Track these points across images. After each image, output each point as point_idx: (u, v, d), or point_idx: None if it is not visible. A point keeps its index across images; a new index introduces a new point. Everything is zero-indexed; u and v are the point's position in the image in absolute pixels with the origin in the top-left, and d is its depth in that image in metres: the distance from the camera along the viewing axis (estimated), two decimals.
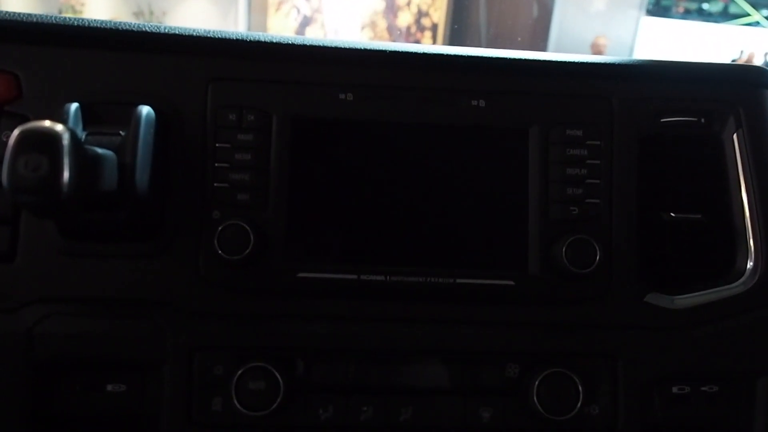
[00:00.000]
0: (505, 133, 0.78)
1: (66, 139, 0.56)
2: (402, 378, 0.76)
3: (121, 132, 0.69)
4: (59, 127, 0.56)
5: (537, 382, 0.74)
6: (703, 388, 0.80)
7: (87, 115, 0.70)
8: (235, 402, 0.72)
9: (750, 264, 0.80)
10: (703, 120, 0.82)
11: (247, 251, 0.71)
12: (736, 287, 0.79)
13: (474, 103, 0.78)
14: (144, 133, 0.69)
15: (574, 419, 0.74)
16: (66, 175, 0.56)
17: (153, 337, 0.73)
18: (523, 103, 0.79)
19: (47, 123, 0.57)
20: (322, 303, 0.76)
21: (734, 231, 0.81)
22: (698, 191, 0.82)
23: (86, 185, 0.60)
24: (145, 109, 0.70)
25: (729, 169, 0.82)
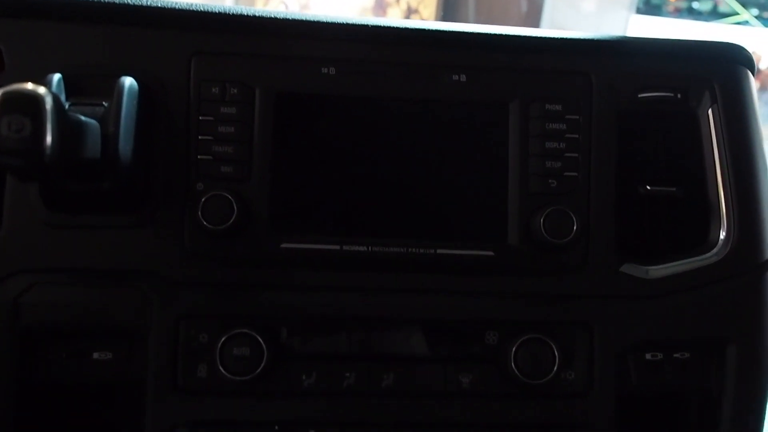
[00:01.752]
0: (485, 108, 0.80)
1: (49, 102, 0.57)
2: (384, 346, 0.78)
3: (104, 103, 0.70)
4: (42, 90, 0.57)
5: (515, 348, 0.76)
6: (676, 355, 0.82)
7: (70, 87, 0.71)
8: (220, 368, 0.73)
9: (723, 235, 0.82)
10: (679, 96, 0.84)
11: (231, 221, 0.72)
12: (708, 258, 0.81)
13: (455, 77, 0.80)
14: (127, 104, 0.70)
15: (550, 384, 0.76)
16: (49, 137, 0.56)
17: (138, 306, 0.74)
18: (504, 78, 0.80)
19: (30, 85, 0.58)
20: (306, 273, 0.77)
21: (708, 204, 0.83)
22: (674, 165, 0.84)
23: (70, 150, 0.61)
24: (128, 80, 0.71)
25: (704, 143, 0.84)
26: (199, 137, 0.76)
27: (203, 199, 0.73)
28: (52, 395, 0.78)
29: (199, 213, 0.72)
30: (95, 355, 0.76)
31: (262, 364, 0.73)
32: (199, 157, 0.76)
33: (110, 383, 0.76)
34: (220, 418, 0.75)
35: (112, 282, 0.75)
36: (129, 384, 0.75)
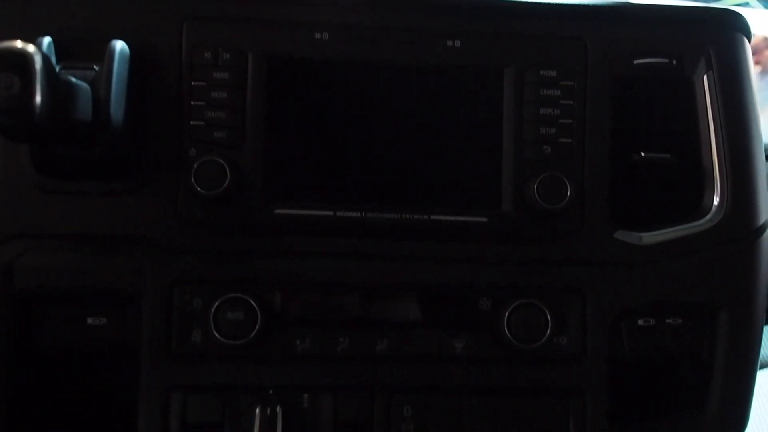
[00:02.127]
0: (480, 74, 0.79)
1: (38, 61, 0.57)
2: (377, 311, 0.78)
3: (95, 67, 0.69)
4: (31, 48, 0.57)
5: (507, 313, 0.76)
6: (668, 321, 0.83)
7: (60, 51, 0.70)
8: (214, 332, 0.73)
9: (716, 201, 0.82)
10: (674, 62, 0.84)
11: (224, 187, 0.72)
12: (702, 224, 0.82)
13: (449, 43, 0.79)
14: (118, 68, 0.69)
15: (542, 348, 0.77)
16: (38, 96, 0.56)
17: (132, 272, 0.75)
18: (499, 44, 0.79)
19: (19, 43, 0.57)
20: (299, 239, 0.77)
21: (702, 170, 0.83)
22: (668, 132, 0.84)
23: (60, 111, 0.61)
24: (119, 44, 0.70)
25: (698, 110, 0.84)
26: (192, 103, 0.76)
27: (196, 165, 0.72)
28: (47, 360, 0.78)
29: (192, 179, 0.72)
30: (90, 321, 0.76)
31: (256, 329, 0.73)
32: (191, 122, 0.75)
33: (105, 348, 0.76)
34: (215, 382, 0.75)
35: (105, 248, 0.75)
36: (124, 349, 0.76)
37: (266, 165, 0.76)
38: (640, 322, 0.82)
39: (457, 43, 0.79)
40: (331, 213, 0.76)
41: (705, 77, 0.83)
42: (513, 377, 0.79)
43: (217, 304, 0.74)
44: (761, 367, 0.95)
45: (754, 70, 0.87)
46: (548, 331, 0.77)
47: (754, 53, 0.87)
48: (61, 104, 0.61)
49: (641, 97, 0.84)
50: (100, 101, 0.67)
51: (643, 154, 0.83)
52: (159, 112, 0.76)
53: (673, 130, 0.84)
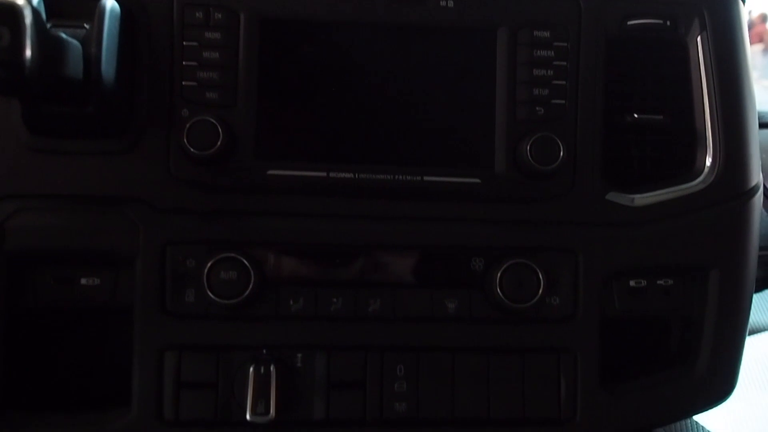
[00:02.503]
0: (473, 34, 0.79)
1: (28, 14, 0.56)
2: (370, 272, 0.78)
3: (85, 25, 0.69)
4: (21, 1, 0.56)
5: (500, 273, 0.77)
6: (659, 282, 0.83)
7: (50, 10, 0.69)
8: (208, 292, 0.73)
9: (708, 162, 0.82)
10: (668, 23, 0.83)
11: (216, 147, 0.72)
12: (694, 185, 0.82)
13: (442, 3, 0.78)
14: (109, 26, 0.68)
15: (534, 308, 0.77)
16: (29, 50, 0.56)
17: (125, 232, 0.75)
18: (492, 4, 0.79)
19: None
20: (292, 200, 0.77)
21: (694, 131, 0.83)
22: (661, 93, 0.84)
23: (50, 66, 0.60)
24: (110, 2, 0.70)
25: (692, 71, 0.83)
26: (183, 63, 0.75)
27: (188, 125, 0.72)
28: (41, 321, 0.79)
29: (185, 138, 0.72)
30: (83, 281, 0.76)
31: (249, 288, 0.73)
32: (183, 83, 0.75)
33: (99, 309, 0.77)
34: (209, 341, 0.76)
35: (97, 208, 0.75)
36: (118, 309, 0.76)
37: (258, 125, 0.76)
38: (632, 283, 0.83)
39: (450, 3, 0.78)
40: (324, 174, 0.76)
41: (699, 38, 0.83)
42: (505, 337, 0.79)
43: (210, 263, 0.74)
44: (749, 333, 0.96)
45: (748, 34, 0.87)
46: (540, 291, 0.77)
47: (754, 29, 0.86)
48: (52, 59, 0.61)
49: (635, 58, 0.84)
50: (91, 59, 0.67)
51: (636, 115, 0.83)
52: (150, 71, 0.75)
53: (666, 91, 0.84)
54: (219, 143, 0.72)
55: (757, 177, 0.84)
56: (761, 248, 0.92)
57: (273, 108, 0.76)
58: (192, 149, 0.72)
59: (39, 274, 0.76)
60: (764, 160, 0.93)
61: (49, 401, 0.78)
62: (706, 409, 0.85)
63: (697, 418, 1.05)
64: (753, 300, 0.87)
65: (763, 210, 0.91)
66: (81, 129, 0.73)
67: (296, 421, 0.76)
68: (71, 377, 0.81)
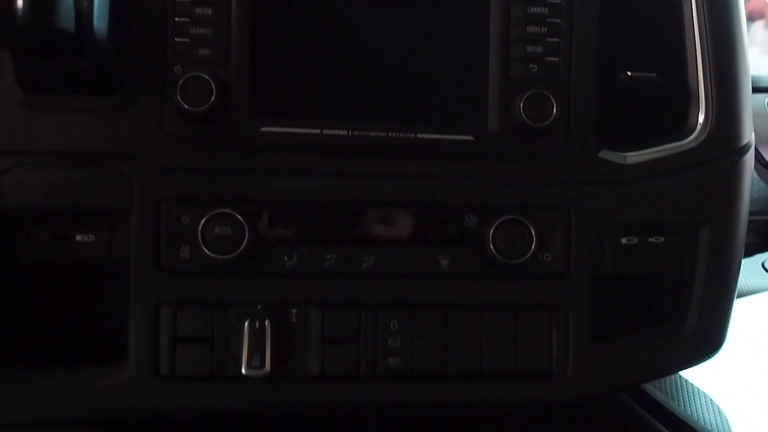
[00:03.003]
0: None
1: None
2: (364, 229, 0.79)
3: None
4: None
5: (493, 229, 0.77)
6: (651, 240, 0.84)
7: None
8: (203, 247, 0.74)
9: (701, 119, 0.82)
10: None
11: (210, 103, 0.72)
12: (687, 143, 0.82)
13: None
14: None
15: (527, 264, 0.78)
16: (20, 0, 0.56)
17: (119, 188, 0.75)
18: None
19: None
20: (286, 157, 0.78)
21: (687, 89, 0.83)
22: (655, 51, 0.84)
23: (42, 18, 0.60)
24: None
25: (685, 28, 0.83)
26: (176, 19, 0.75)
27: (181, 81, 0.72)
28: (37, 278, 0.79)
29: (178, 95, 0.72)
30: (78, 238, 0.76)
31: (244, 244, 0.74)
32: (176, 39, 0.75)
33: (94, 265, 0.77)
34: (204, 297, 0.76)
35: (91, 164, 0.75)
36: (113, 266, 0.76)
37: (252, 82, 0.75)
38: (623, 240, 0.84)
39: None
40: (317, 131, 0.76)
41: None
42: (498, 293, 0.80)
43: (204, 219, 0.74)
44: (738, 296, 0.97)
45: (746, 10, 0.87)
46: (533, 247, 0.78)
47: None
48: (43, 10, 0.60)
49: (628, 16, 0.84)
50: (83, 12, 0.66)
51: (629, 73, 0.83)
52: (143, 28, 0.75)
53: (659, 49, 0.84)
54: (212, 100, 0.72)
55: (748, 136, 0.85)
56: (752, 213, 0.93)
57: (266, 65, 0.76)
58: (185, 105, 0.72)
59: (34, 231, 0.76)
60: (757, 125, 0.93)
61: (47, 358, 0.79)
62: (695, 365, 0.86)
63: (683, 373, 1.07)
64: (742, 265, 0.88)
65: (755, 173, 0.92)
66: (74, 85, 0.73)
67: (291, 376, 0.77)
68: (68, 335, 0.82)
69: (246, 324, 0.75)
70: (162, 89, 0.75)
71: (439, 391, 0.80)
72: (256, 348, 0.75)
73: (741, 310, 1.08)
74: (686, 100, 0.84)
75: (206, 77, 0.72)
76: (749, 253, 1.48)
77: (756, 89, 1.13)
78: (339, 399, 0.79)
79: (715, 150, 0.82)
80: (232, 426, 0.87)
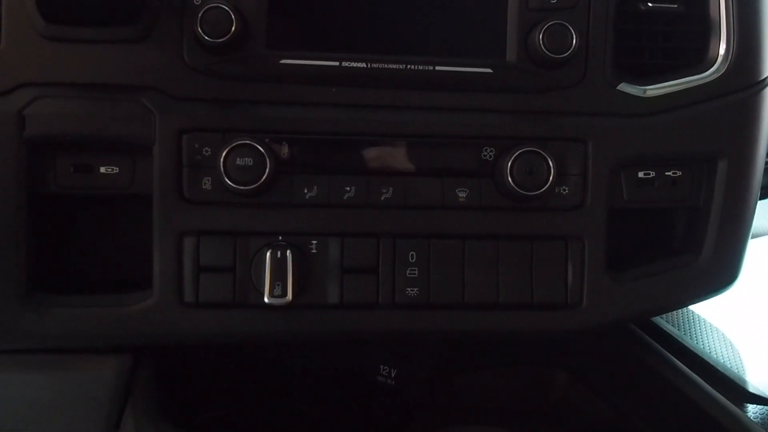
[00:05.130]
0: None
1: None
2: (383, 161, 0.80)
3: None
4: None
5: (511, 161, 0.78)
6: (667, 173, 0.84)
7: None
8: (225, 178, 0.74)
9: (722, 51, 0.82)
10: None
11: (230, 35, 0.72)
12: (707, 76, 0.82)
13: None
14: None
15: (544, 196, 0.78)
16: None
17: (141, 119, 0.75)
18: None
19: None
20: (305, 89, 0.78)
21: (708, 21, 0.83)
22: None
23: None
24: None
25: None
26: None
27: (201, 12, 0.72)
28: (62, 209, 0.81)
29: (198, 26, 0.72)
30: (102, 170, 0.77)
31: (266, 173, 0.74)
32: None
33: (118, 196, 0.78)
34: (226, 227, 0.78)
35: (113, 96, 0.76)
36: (136, 197, 0.78)
37: (271, 14, 0.76)
38: (640, 174, 0.84)
39: None
40: (336, 63, 0.77)
41: None
42: (514, 224, 0.81)
43: (226, 150, 0.75)
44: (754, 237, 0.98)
45: None
46: (550, 179, 0.78)
47: None
48: None
49: None
50: None
51: (650, 3, 0.82)
52: None
53: None
54: (232, 30, 0.72)
55: None
56: None
57: None
58: (206, 37, 0.72)
59: (59, 162, 0.77)
60: None
61: (73, 287, 0.81)
62: (710, 297, 0.88)
63: (697, 309, 1.09)
64: (758, 204, 0.88)
65: None
66: (95, 16, 0.73)
67: (312, 305, 0.79)
68: (94, 264, 0.84)
69: (268, 254, 0.76)
70: (182, 20, 0.75)
71: (455, 320, 0.81)
72: (278, 277, 0.76)
73: (756, 250, 1.08)
74: (707, 31, 0.83)
75: (226, 8, 0.72)
76: (765, 194, 1.48)
77: None
78: (358, 327, 0.80)
79: (736, 83, 0.82)
80: (254, 354, 0.89)
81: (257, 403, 1.11)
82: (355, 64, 0.77)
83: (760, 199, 0.90)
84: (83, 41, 0.74)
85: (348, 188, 0.79)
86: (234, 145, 0.75)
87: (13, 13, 0.74)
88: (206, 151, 0.76)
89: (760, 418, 0.88)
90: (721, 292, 0.87)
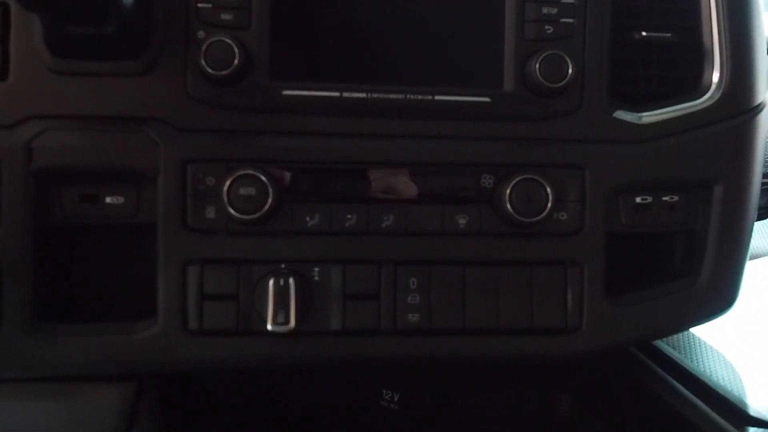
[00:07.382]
0: None
1: None
2: (383, 189, 0.81)
3: None
4: None
5: (509, 188, 0.79)
6: (664, 198, 0.86)
7: None
8: (228, 207, 0.76)
9: (716, 78, 0.83)
10: None
11: (233, 67, 0.74)
12: (701, 102, 0.84)
13: None
14: None
15: (543, 222, 0.80)
16: None
17: (146, 150, 0.77)
18: None
19: None
20: (306, 119, 0.80)
21: (702, 49, 0.84)
22: (669, 11, 0.85)
23: None
24: None
25: None
26: None
27: (205, 46, 0.74)
28: (69, 238, 0.82)
29: (202, 59, 0.74)
30: (108, 200, 0.79)
31: (268, 203, 0.76)
32: (198, 5, 0.77)
33: (123, 226, 0.80)
34: (230, 256, 0.79)
35: (119, 128, 0.77)
36: (141, 227, 0.79)
37: (273, 46, 0.77)
38: (638, 199, 0.85)
39: None
40: (337, 94, 0.78)
41: None
42: (514, 250, 0.82)
43: (230, 180, 0.76)
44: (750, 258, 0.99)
45: None
46: (549, 205, 0.79)
47: None
48: None
49: None
50: None
51: (644, 33, 0.84)
52: None
53: (674, 8, 0.85)
54: (235, 63, 0.74)
55: (763, 95, 0.86)
56: (765, 176, 0.94)
57: (286, 29, 0.78)
58: (209, 69, 0.74)
59: (65, 193, 0.78)
60: None
61: (78, 315, 0.82)
62: (708, 320, 0.88)
63: (696, 332, 1.09)
64: (755, 227, 0.89)
65: None
66: (101, 50, 0.75)
67: (314, 331, 0.80)
68: (99, 293, 0.85)
69: (271, 282, 0.77)
70: (186, 54, 0.77)
71: (457, 345, 0.82)
72: (281, 305, 0.77)
73: (754, 272, 1.09)
74: (700, 59, 0.85)
75: (229, 41, 0.74)
76: (762, 216, 1.49)
77: None
78: (360, 352, 0.81)
79: (730, 109, 0.83)
80: (258, 380, 0.90)
81: (260, 428, 1.12)
82: (355, 95, 0.79)
83: (757, 220, 0.91)
84: (90, 74, 0.76)
85: (349, 216, 0.80)
86: (237, 175, 0.76)
87: (22, 48, 0.75)
88: (210, 180, 0.78)
89: None
90: (719, 315, 0.88)
